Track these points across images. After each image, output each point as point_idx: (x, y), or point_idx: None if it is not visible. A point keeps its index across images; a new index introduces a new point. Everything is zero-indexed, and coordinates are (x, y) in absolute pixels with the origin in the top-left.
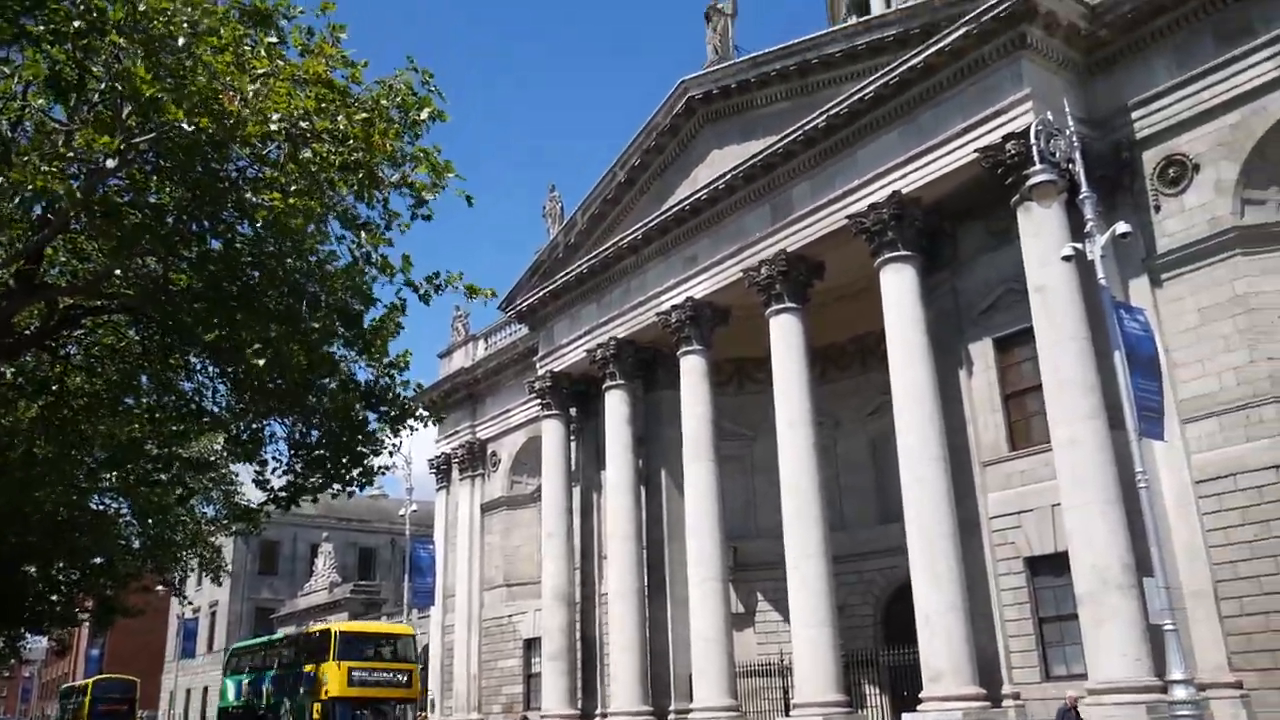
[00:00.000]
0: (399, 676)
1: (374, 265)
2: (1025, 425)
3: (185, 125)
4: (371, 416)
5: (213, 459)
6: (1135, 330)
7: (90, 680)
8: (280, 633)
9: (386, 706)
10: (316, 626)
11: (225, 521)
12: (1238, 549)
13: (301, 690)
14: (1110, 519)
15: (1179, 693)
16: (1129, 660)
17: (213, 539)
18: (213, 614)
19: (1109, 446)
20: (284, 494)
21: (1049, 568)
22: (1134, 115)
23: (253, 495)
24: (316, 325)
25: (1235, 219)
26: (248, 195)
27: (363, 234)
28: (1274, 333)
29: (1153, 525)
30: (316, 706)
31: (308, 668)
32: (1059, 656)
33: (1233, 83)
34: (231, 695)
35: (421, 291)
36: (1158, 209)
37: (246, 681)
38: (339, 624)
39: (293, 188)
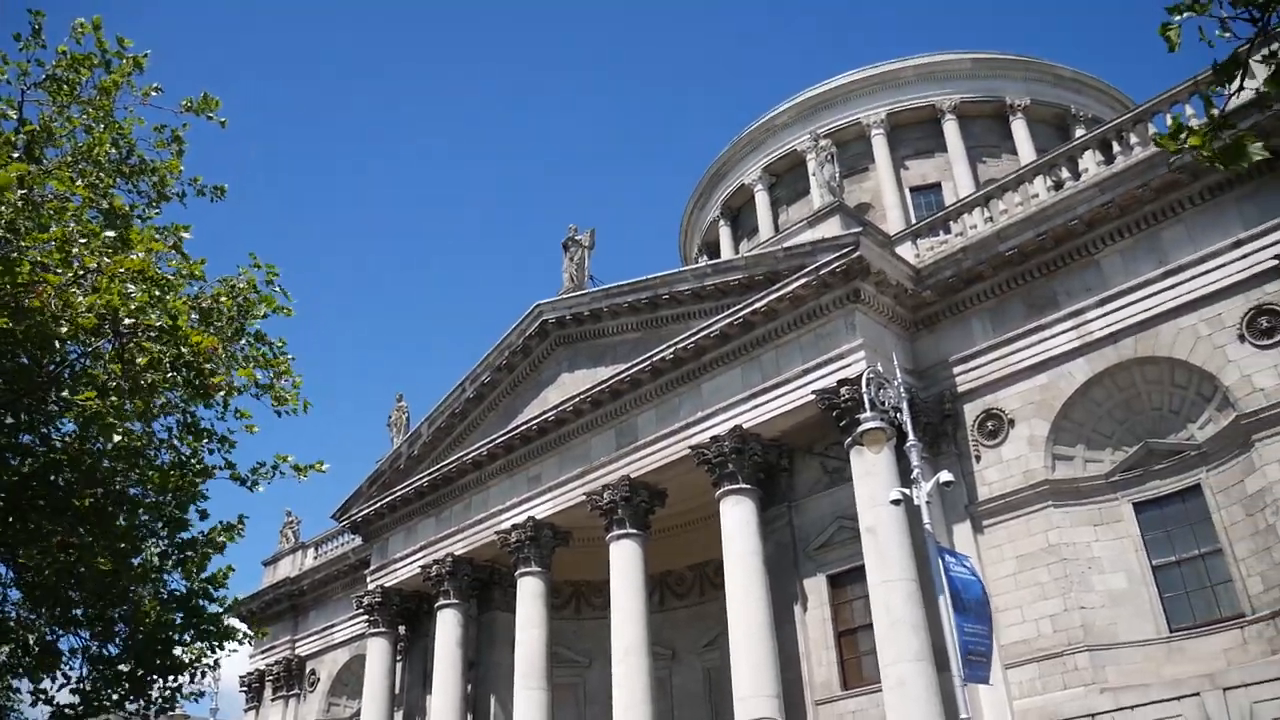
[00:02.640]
0: None
1: (199, 464)
2: (857, 664)
3: None
4: (181, 634)
5: None
6: (963, 574)
7: None
8: None
9: None
10: None
11: None
12: None
13: None
14: None
15: None
16: None
17: None
18: None
19: (936, 689)
20: (71, 711)
21: None
22: (955, 370)
23: (31, 712)
24: (127, 527)
25: (1047, 472)
26: (64, 393)
27: (190, 437)
28: (1085, 583)
29: None
30: None
31: None
32: None
33: (1040, 348)
34: None
35: (249, 481)
36: (978, 458)
37: None
38: None
39: (113, 385)
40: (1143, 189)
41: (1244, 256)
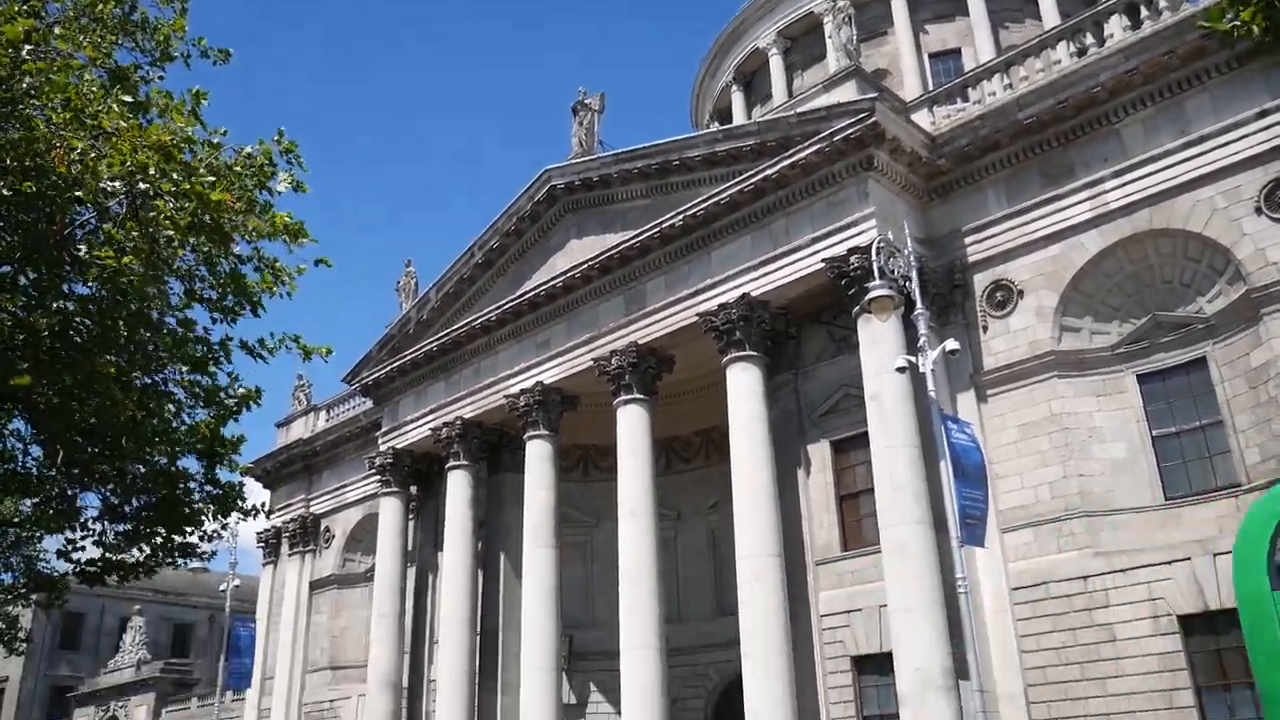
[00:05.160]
0: None
1: (236, 312)
2: (858, 526)
3: (4, 189)
4: (195, 494)
5: (15, 520)
6: (963, 441)
7: None
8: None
9: None
10: None
11: (23, 590)
12: (1048, 655)
13: None
14: (933, 622)
15: None
16: None
17: (8, 608)
18: (1, 690)
19: (934, 551)
20: (93, 568)
21: (874, 667)
22: (967, 240)
23: (57, 563)
24: (145, 387)
25: (1054, 344)
26: (82, 252)
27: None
28: (1085, 451)
29: (971, 630)
30: None
31: None
32: None
33: (1055, 218)
34: None
35: (256, 354)
36: (985, 329)
37: None
38: None
39: (130, 244)
40: (1168, 56)
41: (1268, 128)
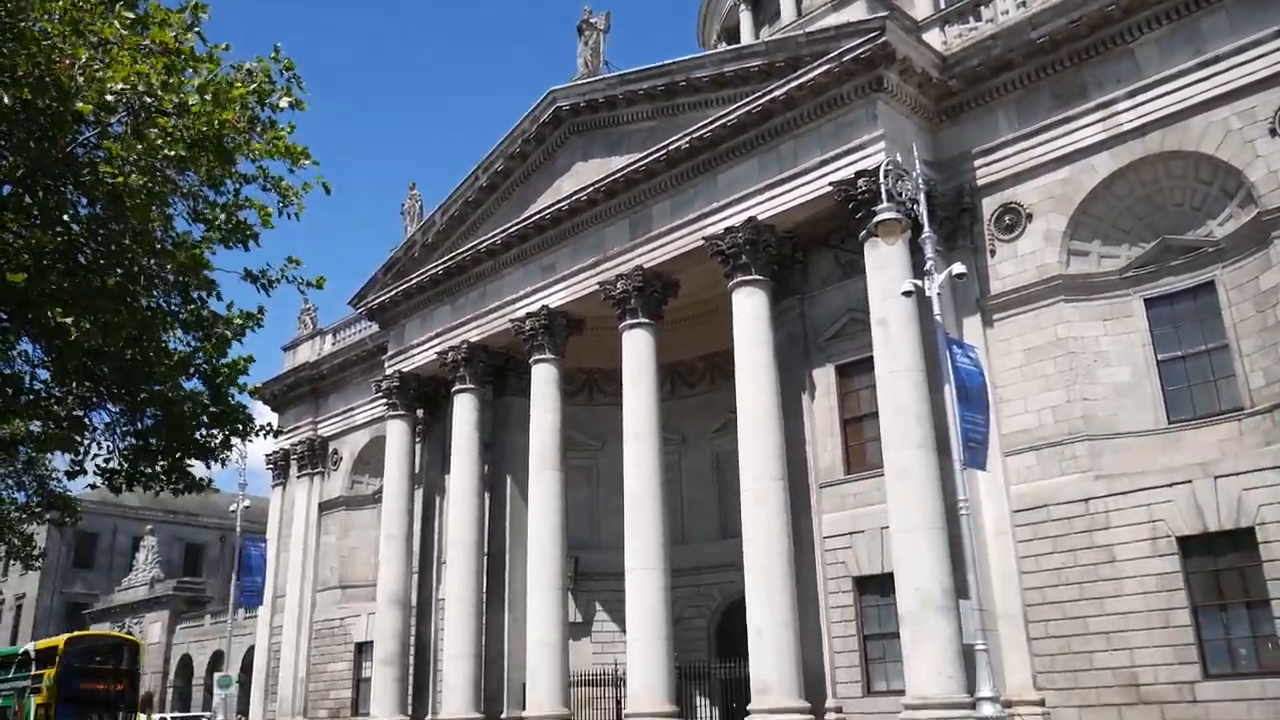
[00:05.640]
0: (117, 681)
1: (225, 240)
2: (861, 450)
3: (6, 99)
4: (206, 424)
5: (27, 439)
6: (966, 365)
7: (60, 639)
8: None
9: (103, 708)
10: (52, 640)
11: (37, 509)
12: (1047, 575)
13: (31, 694)
14: (934, 543)
15: (986, 709)
16: (943, 678)
17: (23, 527)
18: (18, 607)
19: (936, 474)
20: (104, 478)
21: (875, 588)
22: (976, 163)
23: (70, 483)
24: (151, 305)
25: (1061, 268)
26: (84, 171)
27: (219, 212)
28: (1090, 375)
29: (971, 551)
30: (41, 710)
31: (39, 672)
32: (880, 672)
33: (1066, 140)
34: None
35: (259, 282)
36: (993, 253)
37: None
38: (68, 635)
39: (132, 160)
40: None
41: None
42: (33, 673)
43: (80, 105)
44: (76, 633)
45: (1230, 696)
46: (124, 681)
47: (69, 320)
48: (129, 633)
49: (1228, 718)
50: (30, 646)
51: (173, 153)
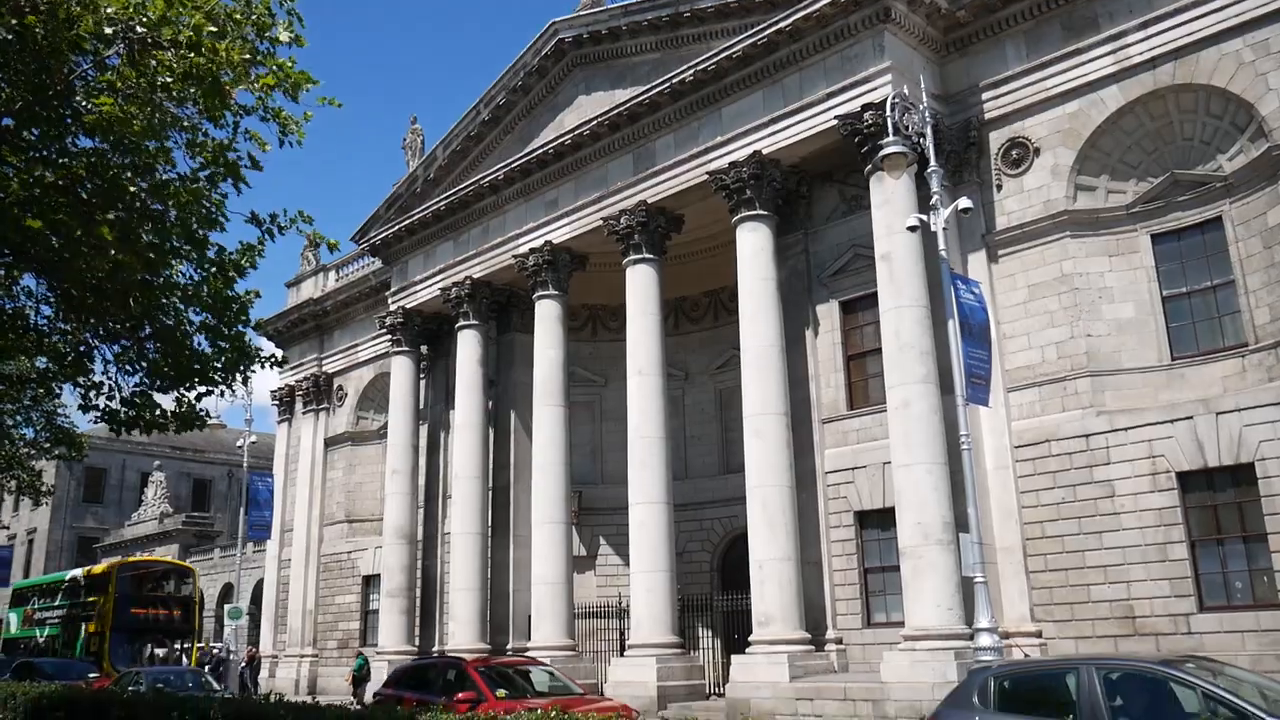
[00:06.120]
0: (174, 610)
1: (219, 179)
2: (864, 386)
3: (2, 29)
4: (207, 348)
5: (34, 376)
6: (970, 301)
7: (112, 564)
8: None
9: (161, 638)
10: (101, 565)
11: (46, 445)
12: (1047, 510)
13: (82, 623)
14: (935, 478)
15: (983, 639)
16: (942, 610)
17: (32, 462)
18: (30, 541)
19: (939, 410)
20: (119, 417)
21: (877, 522)
22: (984, 96)
23: (77, 420)
24: (152, 243)
25: (1068, 203)
26: (82, 102)
27: (209, 154)
28: (1094, 312)
29: (972, 486)
30: (94, 639)
31: (90, 599)
32: (880, 605)
33: (1075, 73)
34: (15, 627)
35: (264, 227)
36: (999, 188)
37: (34, 615)
38: (119, 560)
39: (130, 93)
40: None
41: None
42: (82, 600)
43: (80, 30)
44: (129, 558)
45: (1224, 628)
46: (180, 608)
47: (70, 257)
48: None
49: (1221, 648)
50: (78, 572)
51: (171, 82)
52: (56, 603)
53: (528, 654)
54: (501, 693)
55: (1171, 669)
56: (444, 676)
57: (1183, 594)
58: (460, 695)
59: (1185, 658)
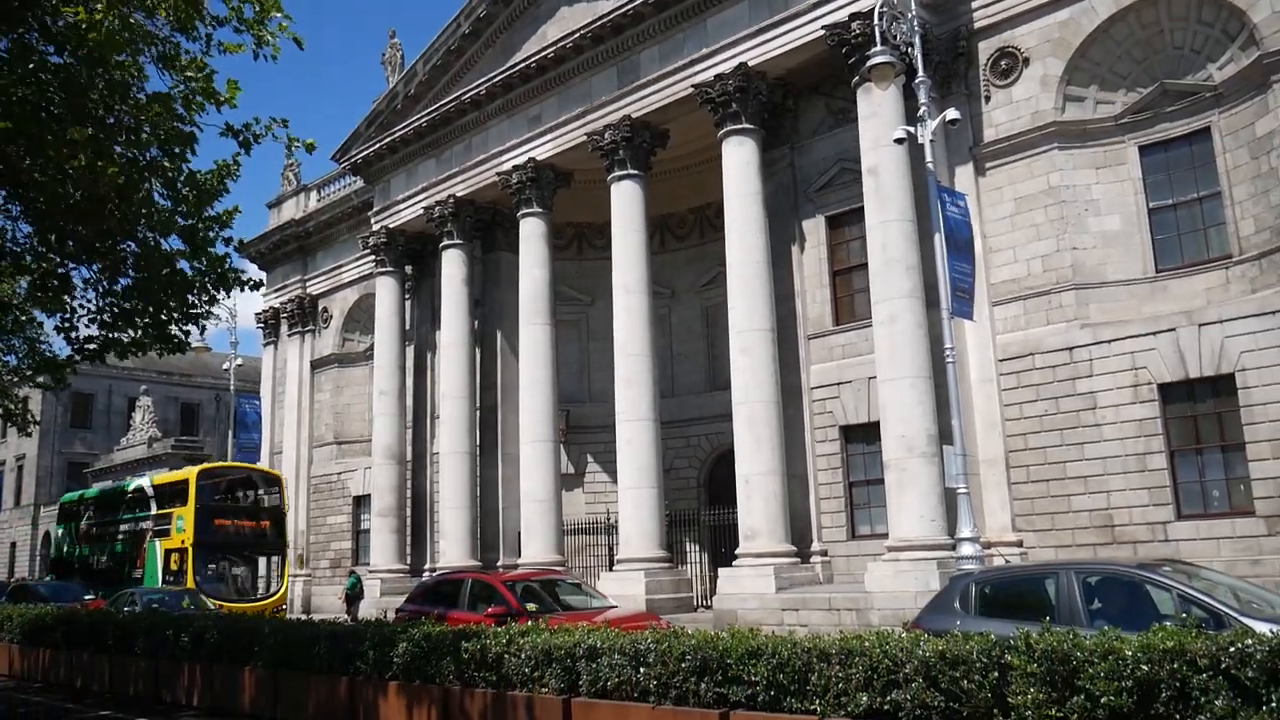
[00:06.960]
0: (263, 521)
1: (193, 95)
2: (850, 301)
3: None
4: (188, 270)
5: (14, 302)
6: (956, 214)
7: (191, 471)
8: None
9: (248, 555)
10: (175, 473)
11: (28, 372)
12: (1030, 422)
13: (154, 538)
14: (920, 391)
15: (965, 549)
16: (925, 520)
17: (16, 390)
18: (19, 467)
19: (924, 324)
20: (91, 347)
21: (862, 436)
22: (974, 4)
23: (59, 345)
24: (128, 155)
25: (1057, 114)
26: (48, 11)
27: (180, 66)
28: (1080, 224)
29: (955, 398)
30: (174, 556)
31: (163, 511)
32: (864, 518)
33: None
34: (67, 548)
35: (241, 138)
36: (988, 99)
37: (90, 531)
38: (199, 466)
39: (99, 4)
40: None
41: None
42: (154, 513)
43: None
44: (209, 464)
45: (1201, 535)
46: (270, 520)
47: (42, 173)
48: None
49: (1197, 554)
50: (145, 482)
51: None
52: (120, 516)
53: (519, 570)
54: (531, 606)
55: (1148, 572)
56: (470, 591)
57: (1161, 503)
58: (491, 610)
59: (1161, 561)
